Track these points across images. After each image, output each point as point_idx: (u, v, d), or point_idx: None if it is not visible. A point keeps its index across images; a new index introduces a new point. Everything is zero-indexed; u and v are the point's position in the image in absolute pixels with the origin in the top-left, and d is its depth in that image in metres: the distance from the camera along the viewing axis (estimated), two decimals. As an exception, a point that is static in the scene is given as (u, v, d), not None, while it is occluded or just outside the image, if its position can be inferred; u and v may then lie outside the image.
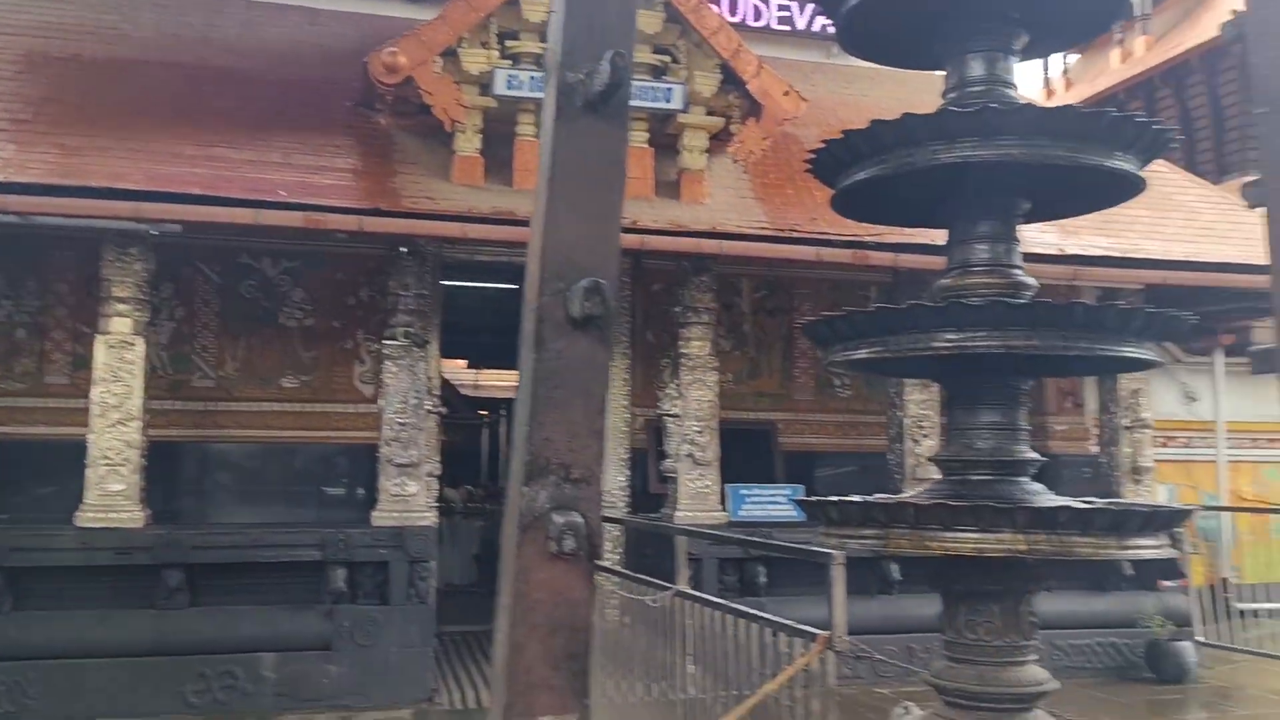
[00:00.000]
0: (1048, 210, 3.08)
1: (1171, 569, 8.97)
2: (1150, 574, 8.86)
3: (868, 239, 8.00)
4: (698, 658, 4.90)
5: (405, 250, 7.84)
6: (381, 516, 7.61)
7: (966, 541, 2.51)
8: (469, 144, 8.05)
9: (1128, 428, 9.31)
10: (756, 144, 8.40)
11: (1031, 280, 2.86)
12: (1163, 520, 2.53)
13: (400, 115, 8.44)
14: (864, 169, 2.81)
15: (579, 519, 2.44)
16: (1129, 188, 2.82)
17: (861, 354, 2.78)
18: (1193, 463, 11.26)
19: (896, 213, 3.17)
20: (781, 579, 7.89)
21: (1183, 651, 8.26)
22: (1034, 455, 2.85)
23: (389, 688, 7.23)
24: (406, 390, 7.76)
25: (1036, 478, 2.90)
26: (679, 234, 7.84)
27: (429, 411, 7.88)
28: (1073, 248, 8.50)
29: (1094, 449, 10.00)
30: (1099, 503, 2.53)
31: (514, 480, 2.54)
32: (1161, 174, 10.17)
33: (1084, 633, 8.56)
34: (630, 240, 7.65)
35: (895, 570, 8.03)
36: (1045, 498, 2.71)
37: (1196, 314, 9.32)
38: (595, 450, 2.53)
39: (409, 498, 7.67)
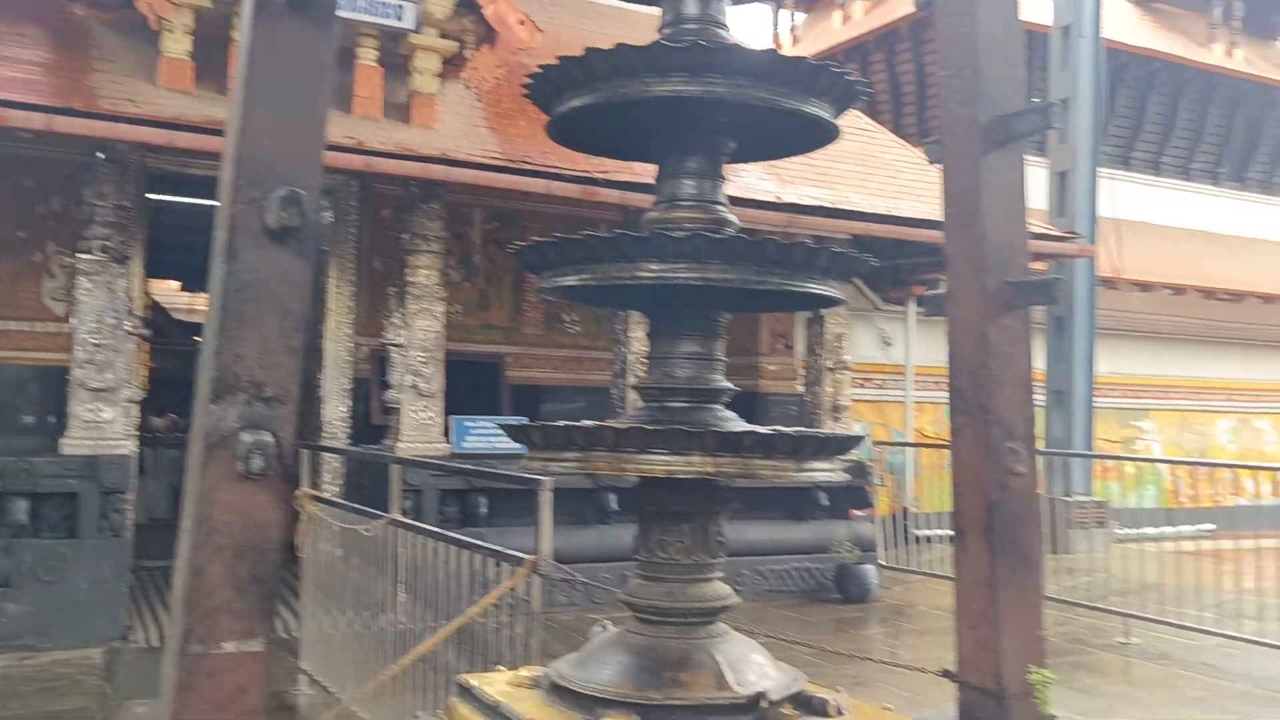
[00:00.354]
0: (752, 151, 3.22)
1: (861, 499, 9.79)
2: (843, 505, 9.62)
3: (598, 175, 8.10)
4: (410, 587, 4.89)
5: (103, 156, 7.18)
6: (72, 444, 7.04)
7: (659, 464, 2.62)
8: (178, 45, 7.45)
9: (830, 369, 9.98)
10: (490, 72, 8.28)
11: (734, 218, 2.99)
12: (834, 446, 2.74)
13: (99, 7, 7.69)
14: (578, 97, 2.82)
15: (269, 439, 2.35)
16: (824, 134, 2.99)
17: (570, 281, 2.82)
18: (885, 403, 12.28)
19: (610, 144, 3.22)
20: (502, 510, 7.97)
21: (866, 574, 9.04)
22: (729, 385, 3.00)
23: (77, 626, 6.75)
24: (103, 309, 7.16)
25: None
26: (406, 158, 7.62)
27: (129, 333, 7.32)
28: (790, 197, 8.97)
29: (800, 388, 10.68)
30: (782, 430, 2.70)
31: (200, 398, 2.41)
32: (870, 134, 10.90)
33: (783, 559, 9.19)
34: (355, 161, 7.38)
35: (613, 500, 8.29)
36: (735, 424, 2.87)
37: (895, 265, 10.09)
38: (290, 369, 2.43)
39: (104, 424, 7.13)
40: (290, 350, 2.42)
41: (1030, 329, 3.57)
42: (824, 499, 9.38)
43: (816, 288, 2.79)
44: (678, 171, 2.97)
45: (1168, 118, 15.69)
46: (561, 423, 2.74)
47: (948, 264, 3.55)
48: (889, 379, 12.37)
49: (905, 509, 11.00)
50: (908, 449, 11.62)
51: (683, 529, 2.89)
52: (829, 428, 9.84)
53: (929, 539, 10.07)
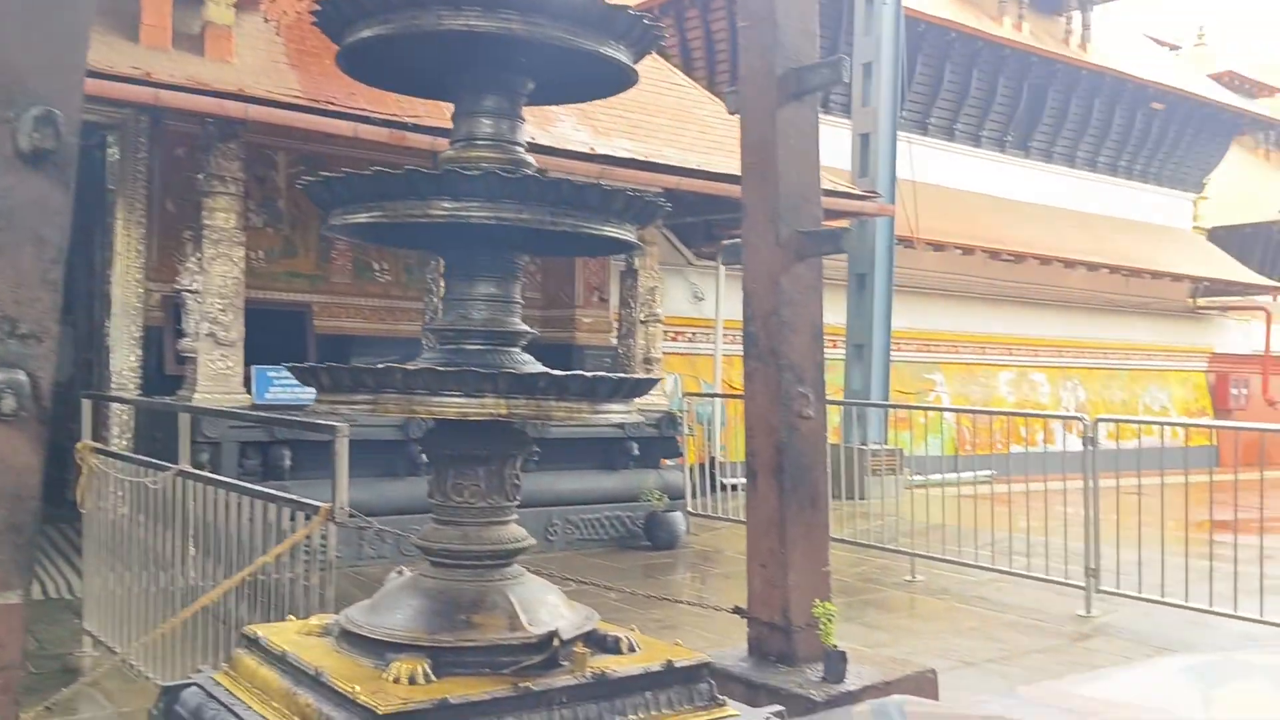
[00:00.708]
0: (552, 93, 3.19)
1: (671, 449, 10.01)
2: (653, 454, 9.81)
3: (408, 120, 7.88)
4: (200, 541, 4.69)
5: None
6: None
7: (451, 405, 2.59)
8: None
9: (643, 322, 10.11)
10: (291, 5, 7.89)
11: (531, 160, 2.96)
12: (629, 389, 2.77)
13: None
14: (369, 27, 2.72)
15: (23, 378, 2.18)
16: (623, 78, 2.98)
17: (361, 218, 2.73)
18: (696, 355, 12.56)
19: (403, 79, 3.12)
20: (308, 462, 7.73)
21: (675, 521, 9.28)
22: (526, 328, 2.98)
23: None
24: None
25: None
26: (200, 92, 7.20)
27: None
28: (603, 149, 8.97)
29: (614, 341, 10.78)
30: (578, 373, 2.71)
31: (-56, 335, 2.22)
32: (684, 89, 11.01)
33: (595, 508, 9.31)
34: (142, 94, 6.92)
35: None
36: (531, 367, 2.86)
37: (707, 220, 10.23)
38: (48, 304, 2.26)
39: None
40: (47, 284, 2.26)
41: (821, 278, 3.71)
42: (635, 449, 9.54)
43: (613, 231, 2.80)
44: (474, 110, 2.91)
45: (961, 86, 16.51)
46: (351, 364, 2.67)
47: (744, 213, 3.65)
48: (700, 332, 12.65)
49: (713, 458, 11.31)
50: (716, 400, 11.93)
51: (478, 472, 2.87)
52: (641, 379, 9.98)
53: (735, 487, 10.39)
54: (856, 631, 6.37)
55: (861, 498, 10.68)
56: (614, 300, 11.27)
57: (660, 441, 9.77)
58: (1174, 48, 25.22)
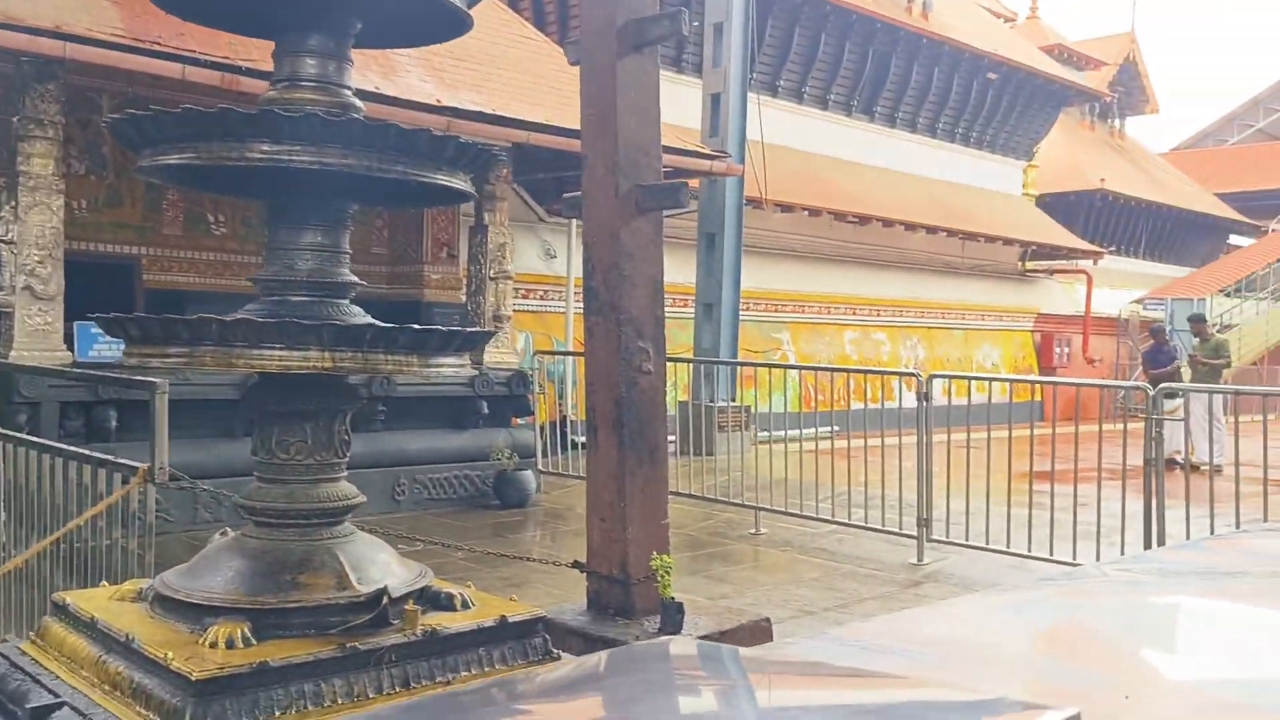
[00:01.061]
0: (384, 35, 3.07)
1: (522, 407, 9.95)
2: (504, 413, 9.73)
3: (241, 63, 7.51)
4: (8, 506, 4.42)
5: None
6: None
7: (272, 358, 2.48)
8: None
9: (493, 278, 9.98)
10: (113, -64, 7.39)
11: (359, 104, 2.85)
12: (461, 341, 2.72)
13: None
14: (180, -44, 2.57)
15: None
16: (457, 22, 2.90)
17: (172, 160, 2.57)
18: (548, 313, 12.49)
19: (226, 15, 2.95)
20: (134, 423, 7.33)
21: (525, 480, 9.24)
22: (355, 279, 2.89)
23: None
24: None
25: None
26: (12, 28, 6.68)
27: None
28: (450, 101, 8.75)
29: (464, 298, 10.62)
30: (409, 325, 2.64)
31: None
32: (534, 43, 10.84)
33: (443, 467, 9.18)
34: (-57, 27, 6.38)
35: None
36: (359, 319, 2.77)
37: (558, 177, 10.09)
38: None
39: None
40: None
41: (662, 232, 3.71)
42: (485, 408, 9.44)
43: (444, 179, 2.72)
44: (298, 49, 2.78)
45: (810, 50, 16.80)
46: (164, 315, 2.53)
47: (584, 166, 3.61)
48: (552, 290, 12.58)
49: (565, 416, 11.30)
50: (568, 358, 11.91)
51: (305, 428, 2.78)
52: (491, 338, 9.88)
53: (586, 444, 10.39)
54: (701, 584, 6.49)
55: (710, 454, 10.86)
56: (463, 257, 11.08)
57: (511, 400, 9.70)
58: (1009, 19, 26.28)
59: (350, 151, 2.53)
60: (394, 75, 8.58)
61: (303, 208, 2.79)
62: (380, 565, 2.79)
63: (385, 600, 2.58)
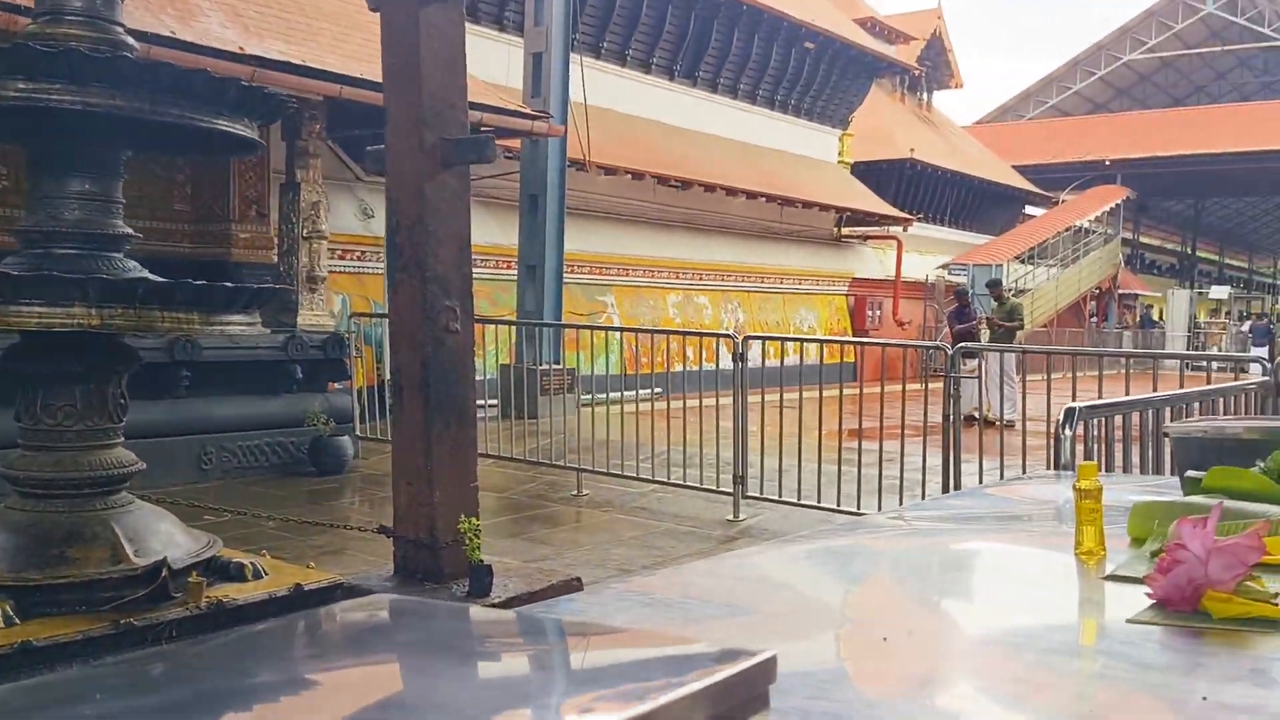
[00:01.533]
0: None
1: (339, 372, 9.63)
2: (320, 377, 9.41)
3: (21, 3, 6.90)
4: None
5: None
6: None
7: (31, 316, 2.28)
8: None
9: (306, 238, 9.60)
10: None
11: (133, 43, 2.64)
12: (249, 299, 2.57)
13: None
14: None
15: None
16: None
17: (-88, 97, 2.32)
18: (366, 275, 12.12)
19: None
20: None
21: (342, 445, 8.97)
22: (129, 231, 2.69)
23: None
24: None
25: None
26: None
27: None
28: (255, 49, 8.32)
29: (275, 258, 10.17)
30: (188, 280, 2.47)
31: None
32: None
33: (255, 434, 8.80)
34: None
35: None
36: (132, 274, 2.58)
37: (377, 134, 9.66)
38: None
39: None
40: None
41: (469, 188, 3.62)
42: (299, 372, 9.09)
43: (227, 125, 2.56)
44: (59, -21, 2.55)
45: (633, 12, 16.79)
46: (-95, 269, 2.28)
47: (388, 118, 3.47)
48: (370, 251, 12.21)
49: (383, 380, 11.02)
50: (386, 321, 11.59)
51: (73, 391, 2.58)
52: (306, 300, 9.50)
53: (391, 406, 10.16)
54: (522, 547, 6.46)
55: (534, 417, 10.81)
56: (275, 216, 10.59)
57: (327, 364, 9.37)
58: (827, -9, 26.96)
59: (118, 92, 2.34)
60: (192, 20, 8.08)
61: (68, 153, 2.57)
62: (161, 536, 2.63)
63: (165, 573, 2.43)
